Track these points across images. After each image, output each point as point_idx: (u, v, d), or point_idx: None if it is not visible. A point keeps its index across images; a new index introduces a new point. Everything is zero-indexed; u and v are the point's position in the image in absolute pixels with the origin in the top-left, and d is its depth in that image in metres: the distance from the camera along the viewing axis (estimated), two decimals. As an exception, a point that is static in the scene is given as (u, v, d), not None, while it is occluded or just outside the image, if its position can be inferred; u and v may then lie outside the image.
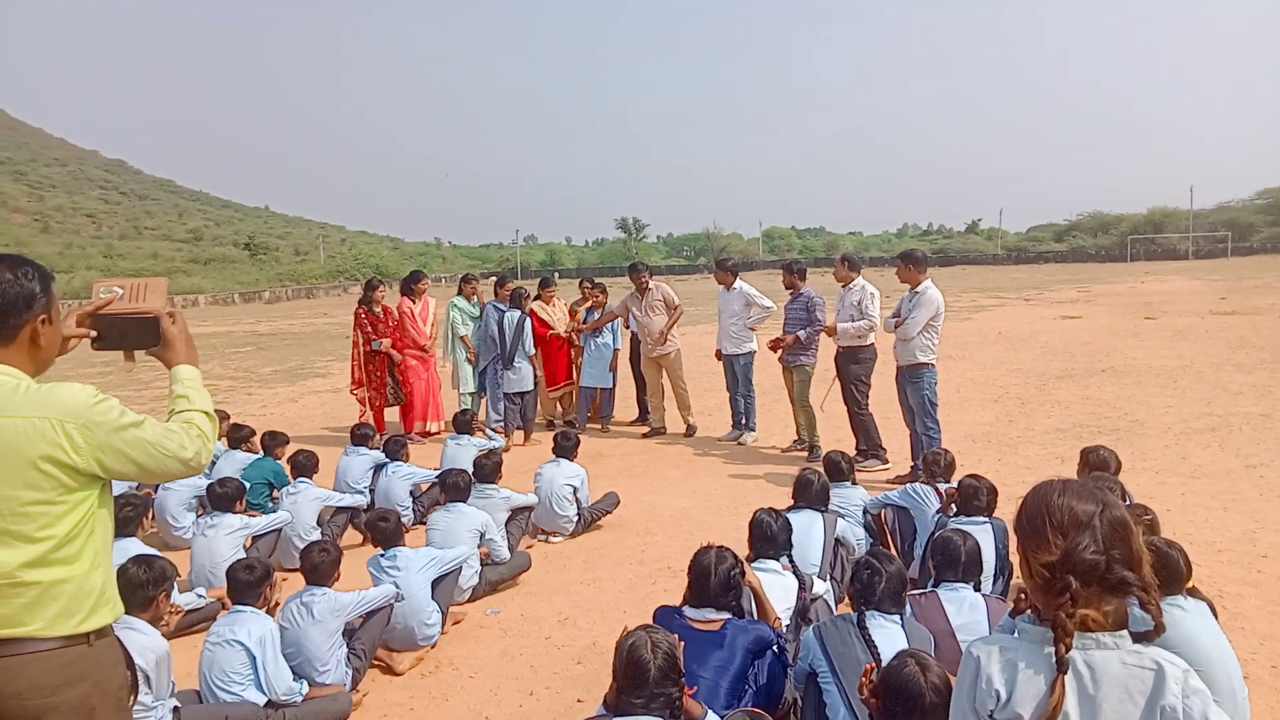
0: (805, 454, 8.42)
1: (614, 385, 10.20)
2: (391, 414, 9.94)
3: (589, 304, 10.29)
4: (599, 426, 10.12)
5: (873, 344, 7.88)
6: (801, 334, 8.31)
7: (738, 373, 9.24)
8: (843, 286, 8.03)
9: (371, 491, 6.74)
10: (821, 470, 5.23)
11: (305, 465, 6.19)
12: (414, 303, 10.02)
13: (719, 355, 9.49)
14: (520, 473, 8.03)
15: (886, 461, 7.89)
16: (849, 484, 5.53)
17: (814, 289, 8.62)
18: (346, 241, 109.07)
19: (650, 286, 9.60)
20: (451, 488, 5.47)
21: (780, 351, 8.45)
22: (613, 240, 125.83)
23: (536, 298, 10.31)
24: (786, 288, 8.67)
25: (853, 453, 7.83)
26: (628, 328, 9.97)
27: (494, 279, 10.28)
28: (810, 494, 4.89)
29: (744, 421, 9.33)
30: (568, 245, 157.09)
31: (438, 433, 9.96)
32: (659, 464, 8.46)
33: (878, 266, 76.95)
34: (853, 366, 7.87)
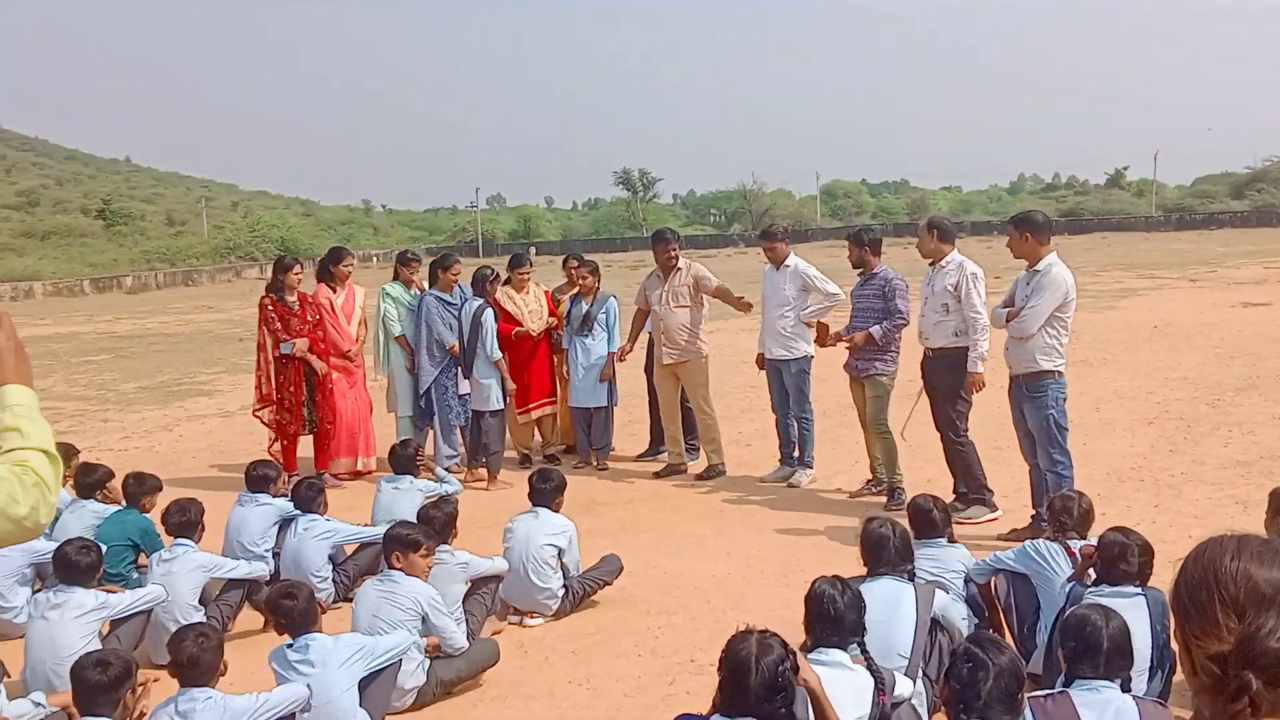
0: (884, 499, 8.43)
1: (612, 404, 10.25)
2: (306, 447, 9.98)
3: (575, 290, 10.36)
4: (592, 463, 10.18)
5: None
6: (876, 330, 8.34)
7: (789, 386, 9.26)
8: (931, 264, 8.05)
9: (276, 556, 6.77)
10: (904, 522, 5.23)
11: (184, 521, 6.18)
12: (335, 292, 10.08)
13: (761, 362, 9.51)
14: (483, 528, 8.02)
15: (996, 509, 7.90)
16: (944, 541, 5.52)
17: (892, 267, 8.65)
18: (240, 206, 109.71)
19: (680, 265, 9.62)
20: (391, 540, 5.49)
21: (847, 351, 8.44)
22: (611, 202, 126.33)
23: (506, 281, 10.36)
24: (855, 266, 8.71)
25: (949, 497, 7.84)
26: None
27: (435, 259, 10.30)
28: (888, 555, 4.90)
29: (797, 455, 9.35)
30: (548, 209, 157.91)
31: (368, 473, 10.02)
32: (678, 515, 8.48)
33: (982, 235, 77.01)
34: (948, 377, 7.88)
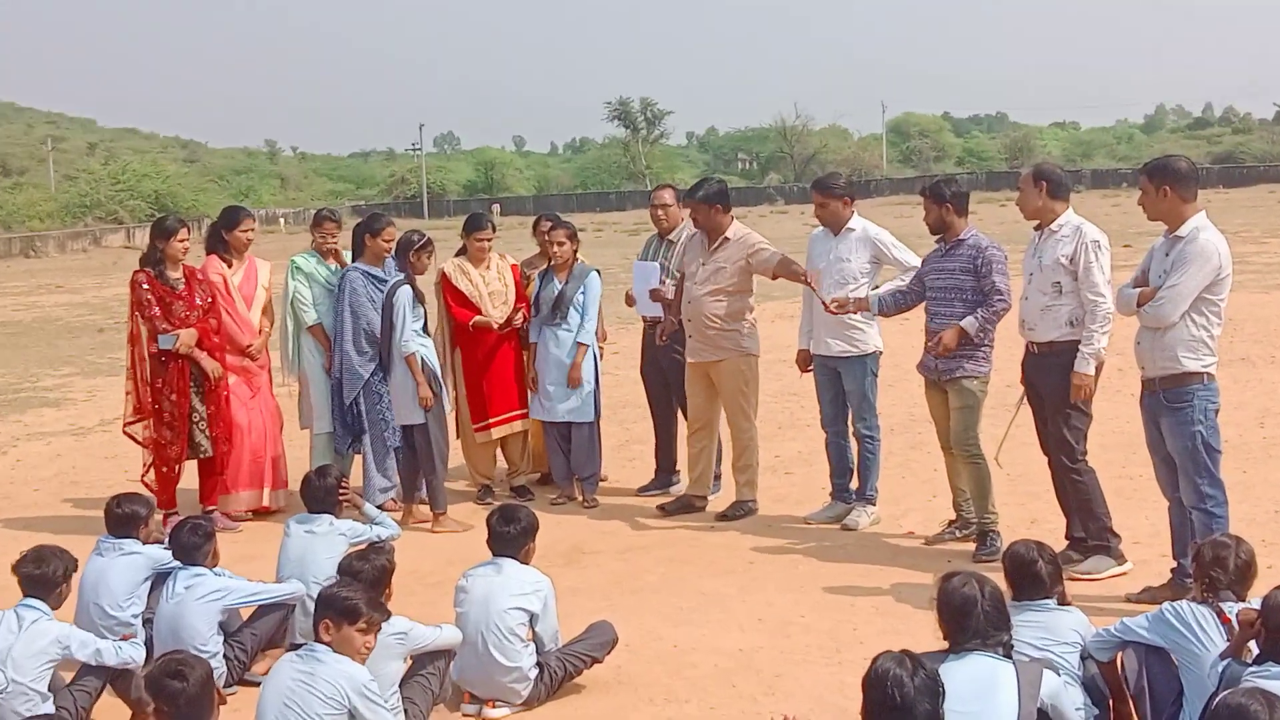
0: (972, 545, 8.45)
1: (597, 417, 10.30)
2: (191, 476, 9.98)
3: (549, 264, 10.40)
4: (576, 498, 10.22)
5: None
6: (971, 323, 8.26)
7: (850, 393, 9.27)
8: (1037, 228, 8.05)
9: (148, 624, 6.77)
10: (998, 578, 5.20)
11: (40, 576, 6.17)
12: (230, 266, 10.11)
13: (805, 361, 9.53)
14: (429, 585, 8.02)
15: (1125, 560, 7.91)
16: (1052, 604, 5.52)
17: (983, 232, 8.63)
18: (99, 149, 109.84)
19: (731, 235, 9.55)
20: (324, 603, 5.47)
21: (938, 349, 8.36)
22: (603, 143, 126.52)
23: (459, 251, 10.34)
24: (933, 230, 8.70)
25: (1060, 544, 7.83)
26: (665, 301, 9.95)
27: (361, 222, 10.31)
28: (976, 624, 4.89)
29: (855, 487, 9.36)
30: (518, 154, 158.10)
31: (275, 511, 10.04)
32: (692, 568, 8.49)
33: (1106, 188, 76.53)
34: (1060, 381, 7.86)
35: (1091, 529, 7.93)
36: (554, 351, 10.09)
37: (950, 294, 8.45)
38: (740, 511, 9.56)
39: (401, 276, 9.58)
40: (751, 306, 9.65)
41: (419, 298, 9.58)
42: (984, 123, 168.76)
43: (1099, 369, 7.79)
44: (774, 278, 9.59)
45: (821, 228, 9.44)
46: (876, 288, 9.18)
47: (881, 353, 9.34)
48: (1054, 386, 7.88)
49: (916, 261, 9.12)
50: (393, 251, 9.82)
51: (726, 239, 9.51)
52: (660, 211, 10.32)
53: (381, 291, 9.82)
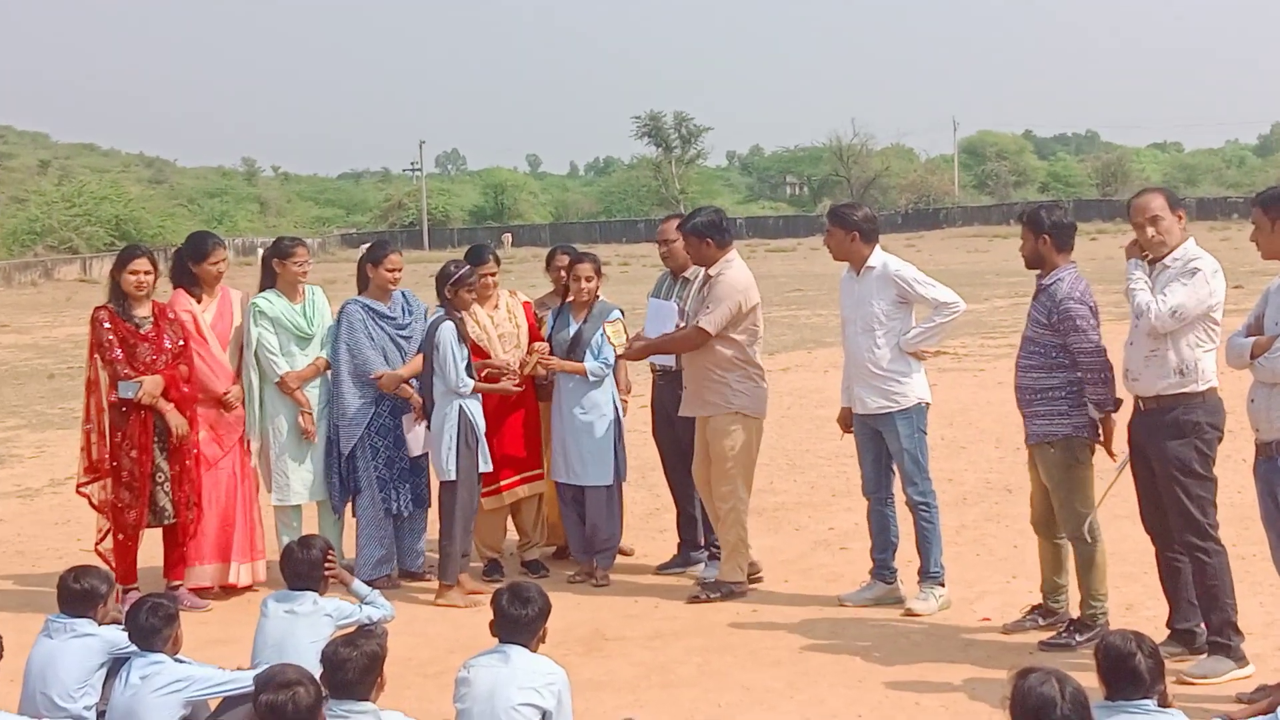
0: (1065, 637, 8.41)
1: (619, 480, 10.32)
2: (153, 545, 10.01)
3: (565, 299, 10.46)
4: (589, 572, 10.23)
5: (1212, 389, 7.88)
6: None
7: (894, 454, 9.28)
8: (1152, 261, 7.96)
9: (101, 716, 6.75)
10: (1080, 677, 5.15)
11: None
12: (200, 301, 10.18)
13: (846, 420, 9.58)
14: (426, 675, 8.02)
15: (1247, 663, 7.82)
16: (1151, 705, 5.48)
17: (1077, 270, 8.56)
18: (52, 169, 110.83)
19: (714, 273, 9.58)
20: (286, 704, 5.49)
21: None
22: (631, 164, 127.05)
23: (458, 286, 10.30)
24: (1029, 264, 8.63)
25: (1161, 635, 7.79)
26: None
27: (365, 249, 10.37)
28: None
29: (919, 566, 9.32)
30: (533, 176, 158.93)
31: (248, 588, 10.07)
32: (732, 659, 8.46)
33: (1213, 219, 76.35)
34: (1171, 443, 7.82)
35: (1214, 622, 7.79)
36: (569, 403, 10.11)
37: (1028, 345, 8.46)
38: (715, 592, 9.58)
39: (441, 312, 9.67)
40: (748, 358, 9.59)
41: (462, 336, 9.66)
42: (1072, 143, 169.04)
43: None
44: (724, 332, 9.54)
45: (847, 268, 9.48)
46: (908, 331, 9.20)
47: (928, 404, 9.32)
48: (1164, 450, 7.80)
49: (948, 297, 9.17)
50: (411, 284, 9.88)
51: (710, 276, 9.60)
52: (665, 248, 10.30)
53: (383, 329, 9.90)
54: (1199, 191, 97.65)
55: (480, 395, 9.79)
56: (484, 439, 9.78)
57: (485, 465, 9.82)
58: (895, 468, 9.38)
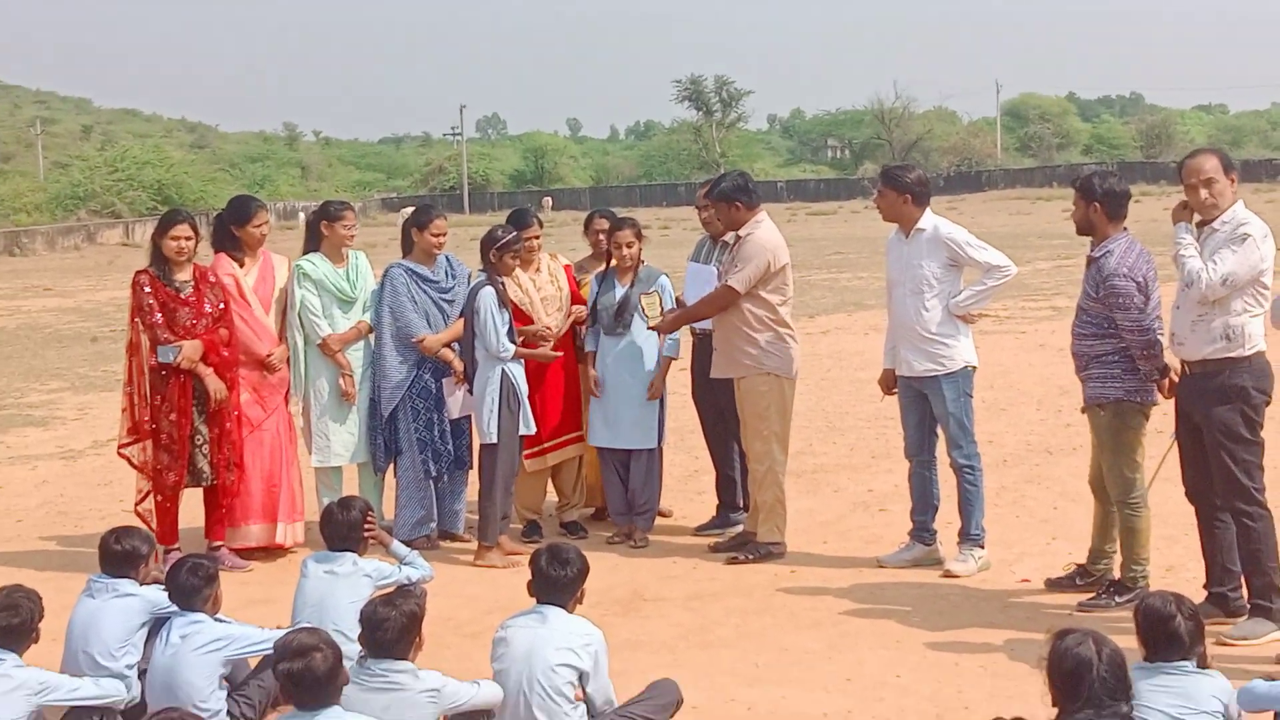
0: (1104, 599, 8.39)
1: (660, 442, 10.35)
2: (194, 506, 10.08)
3: (606, 265, 10.47)
4: (628, 534, 10.26)
5: (1259, 353, 7.82)
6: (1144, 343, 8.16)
7: (940, 417, 9.28)
8: (1200, 224, 7.89)
9: (143, 675, 6.82)
10: (1125, 641, 5.14)
11: (8, 624, 6.28)
12: (242, 266, 10.21)
13: (889, 382, 9.56)
14: (465, 635, 8.06)
15: (1282, 620, 7.78)
16: (1190, 666, 5.46)
17: (1134, 238, 8.44)
18: (95, 133, 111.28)
19: (744, 233, 9.61)
20: (303, 672, 5.54)
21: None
22: (671, 128, 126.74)
23: (503, 251, 10.32)
24: (1079, 231, 8.53)
25: (1200, 597, 7.74)
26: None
27: (406, 211, 10.40)
28: (1089, 690, 4.88)
29: (961, 528, 9.30)
30: (573, 140, 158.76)
31: (291, 549, 10.13)
32: (771, 620, 8.48)
33: (1259, 181, 75.66)
34: (1217, 408, 7.77)
35: (1256, 584, 7.76)
36: (614, 368, 10.12)
37: (1081, 314, 8.38)
38: (753, 553, 9.60)
39: (483, 277, 9.70)
40: (780, 318, 9.62)
41: (503, 300, 9.68)
42: (1115, 105, 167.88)
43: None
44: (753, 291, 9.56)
45: (895, 230, 9.43)
46: (958, 294, 9.17)
47: (975, 368, 9.28)
48: (1211, 415, 7.75)
49: (1000, 260, 9.14)
50: (480, 248, 9.87)
51: (739, 237, 9.62)
52: (706, 213, 10.31)
53: (426, 293, 9.93)
54: (1244, 154, 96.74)
55: (521, 359, 9.82)
56: (526, 402, 9.80)
57: (529, 428, 9.84)
58: (938, 430, 9.36)
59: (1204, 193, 7.72)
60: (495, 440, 9.67)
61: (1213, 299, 7.57)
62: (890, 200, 9.30)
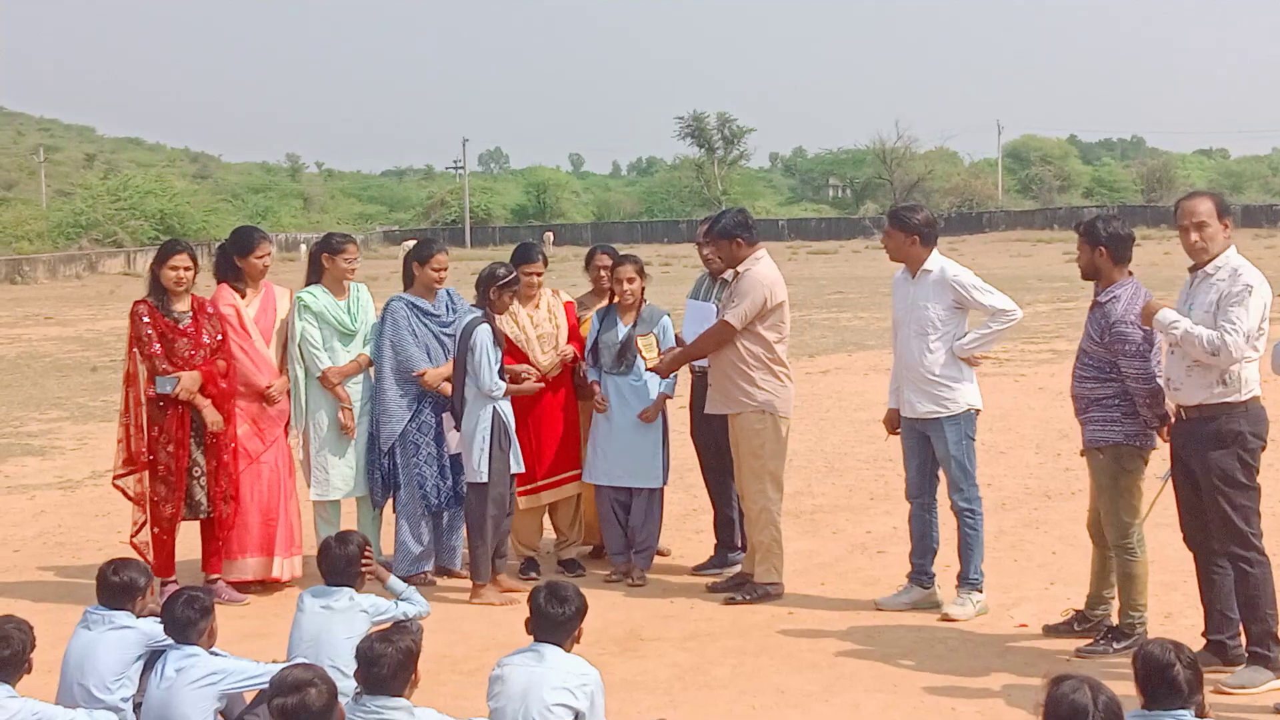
0: (1102, 645, 8.36)
1: (664, 482, 10.35)
2: (190, 539, 10.07)
3: (608, 302, 10.47)
4: (625, 572, 10.23)
5: (1255, 398, 7.81)
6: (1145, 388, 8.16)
7: (942, 459, 9.27)
8: (1193, 269, 7.92)
9: (138, 708, 6.80)
10: (1113, 686, 5.12)
11: (9, 657, 6.25)
12: (243, 296, 10.22)
13: (893, 422, 9.55)
14: (462, 673, 8.03)
15: None
16: (1188, 715, 5.42)
17: (1139, 283, 8.43)
18: (98, 161, 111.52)
19: (742, 270, 9.62)
20: (298, 708, 5.51)
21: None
22: (674, 164, 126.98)
23: (503, 290, 10.30)
24: (1084, 276, 8.53)
25: (1199, 645, 7.73)
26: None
27: (407, 244, 10.43)
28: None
29: (958, 572, 9.28)
30: (575, 175, 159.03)
31: (288, 583, 10.11)
32: (768, 661, 8.46)
33: (1259, 227, 75.91)
34: (1214, 453, 7.77)
35: (1254, 632, 7.74)
36: (616, 405, 10.12)
37: (1084, 356, 8.36)
38: (751, 594, 9.58)
39: (479, 314, 9.67)
40: (776, 356, 9.61)
41: (498, 339, 9.67)
42: (1117, 148, 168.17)
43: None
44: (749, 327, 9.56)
45: (902, 269, 9.45)
46: (962, 336, 9.17)
47: (978, 411, 9.27)
48: (1207, 460, 7.74)
49: (1006, 305, 9.16)
50: (476, 282, 9.86)
51: (737, 274, 9.65)
52: (707, 250, 10.30)
53: (427, 327, 9.94)
54: (1244, 199, 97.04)
55: (509, 396, 9.82)
56: (515, 439, 9.80)
57: (518, 466, 9.83)
58: (940, 474, 9.36)
59: (1194, 235, 7.74)
60: (485, 480, 9.64)
61: (1245, 361, 7.55)
62: (898, 241, 9.31)
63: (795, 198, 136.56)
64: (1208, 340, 7.51)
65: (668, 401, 10.31)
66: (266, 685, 6.79)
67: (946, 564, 9.43)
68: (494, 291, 9.69)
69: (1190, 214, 7.77)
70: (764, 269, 9.65)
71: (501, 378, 9.62)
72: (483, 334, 9.56)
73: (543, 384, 10.09)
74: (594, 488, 10.35)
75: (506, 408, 9.70)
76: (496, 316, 9.78)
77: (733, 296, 9.57)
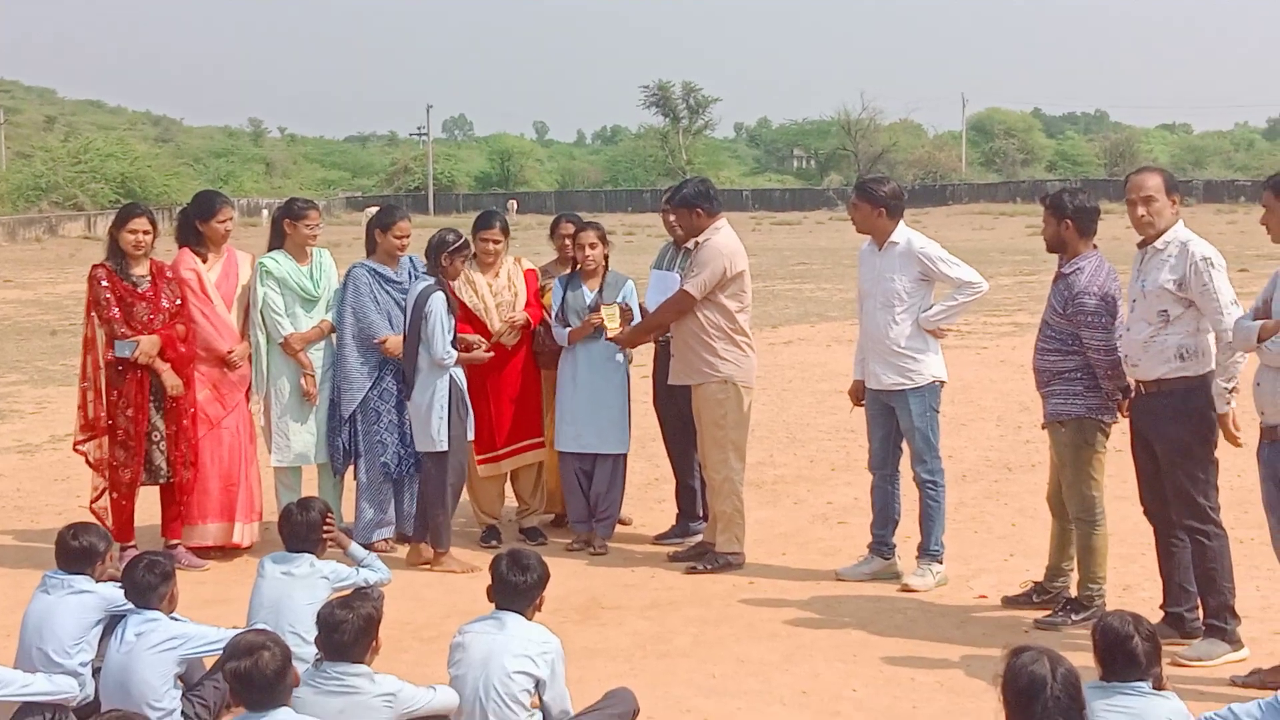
0: (1060, 616, 8.42)
1: (626, 450, 10.36)
2: (149, 504, 10.05)
3: (571, 269, 10.46)
4: (587, 541, 10.25)
5: (1213, 371, 7.82)
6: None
7: (905, 431, 9.31)
8: (1141, 245, 7.99)
9: (97, 673, 6.78)
10: (1072, 657, 5.15)
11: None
12: (205, 260, 10.17)
13: (858, 393, 9.59)
14: (423, 640, 8.04)
15: (1241, 645, 7.81)
16: (1146, 686, 5.47)
17: (1103, 256, 8.47)
18: (58, 125, 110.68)
19: (702, 240, 9.65)
20: (250, 670, 5.49)
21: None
22: (639, 133, 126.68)
23: (454, 256, 10.03)
24: (1050, 248, 8.53)
25: (1157, 617, 7.79)
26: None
27: (370, 210, 10.40)
28: (1042, 708, 4.89)
29: (920, 543, 9.35)
30: (539, 143, 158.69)
31: (247, 548, 10.09)
32: (728, 630, 8.49)
33: (1220, 202, 76.08)
34: (1173, 426, 7.80)
35: (1211, 604, 7.81)
36: (582, 372, 10.10)
37: (1046, 329, 8.38)
38: (712, 563, 9.61)
39: (432, 281, 9.64)
40: (738, 326, 9.64)
41: (451, 307, 9.65)
42: (1080, 122, 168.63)
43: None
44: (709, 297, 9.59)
45: (868, 241, 9.46)
46: (928, 308, 9.20)
47: (943, 383, 9.32)
48: (1166, 434, 7.79)
49: (972, 276, 9.21)
50: (425, 250, 9.83)
51: (697, 243, 9.66)
52: (671, 218, 10.21)
53: (389, 294, 9.90)
54: (1207, 174, 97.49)
55: (464, 365, 9.81)
56: (470, 407, 9.81)
57: (470, 435, 9.87)
58: (903, 445, 9.40)
59: (1141, 210, 7.81)
60: (446, 448, 9.65)
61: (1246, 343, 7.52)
62: (864, 213, 9.30)
63: (760, 168, 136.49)
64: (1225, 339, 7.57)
65: (630, 369, 10.30)
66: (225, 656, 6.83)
67: (907, 535, 9.48)
68: (445, 258, 9.66)
69: (1138, 189, 7.84)
70: (723, 239, 9.66)
71: (454, 346, 9.62)
72: (437, 301, 9.54)
73: (493, 354, 10.05)
74: (557, 456, 10.35)
75: (460, 375, 9.71)
76: (450, 283, 9.76)
77: (692, 266, 9.57)
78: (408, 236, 10.25)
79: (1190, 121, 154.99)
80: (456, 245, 9.73)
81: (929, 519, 9.24)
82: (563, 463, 10.30)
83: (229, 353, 10.00)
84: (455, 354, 9.58)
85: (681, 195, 9.78)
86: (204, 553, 9.95)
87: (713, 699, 7.29)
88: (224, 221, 10.18)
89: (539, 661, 6.30)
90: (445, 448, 9.63)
